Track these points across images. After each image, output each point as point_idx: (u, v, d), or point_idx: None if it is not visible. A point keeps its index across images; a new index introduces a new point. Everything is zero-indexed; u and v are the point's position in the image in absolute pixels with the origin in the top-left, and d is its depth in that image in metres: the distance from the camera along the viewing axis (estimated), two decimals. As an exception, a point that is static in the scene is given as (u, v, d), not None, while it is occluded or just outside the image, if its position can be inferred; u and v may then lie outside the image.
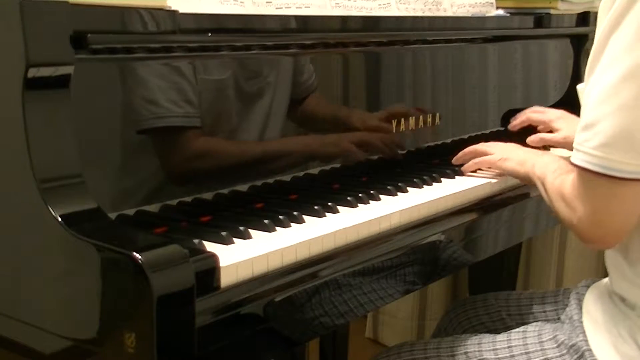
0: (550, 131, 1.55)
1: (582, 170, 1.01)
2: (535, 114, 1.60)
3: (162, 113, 1.09)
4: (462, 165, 1.44)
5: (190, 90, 1.12)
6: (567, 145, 1.48)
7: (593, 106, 0.99)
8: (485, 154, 1.39)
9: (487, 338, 1.21)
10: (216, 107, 1.16)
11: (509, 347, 1.17)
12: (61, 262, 0.92)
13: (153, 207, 1.07)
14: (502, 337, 1.20)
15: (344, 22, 1.38)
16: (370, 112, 1.43)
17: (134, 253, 0.82)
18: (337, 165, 1.36)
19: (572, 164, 1.04)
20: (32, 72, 0.91)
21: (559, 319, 1.29)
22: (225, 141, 1.18)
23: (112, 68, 1.03)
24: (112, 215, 1.00)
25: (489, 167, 1.41)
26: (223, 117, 1.18)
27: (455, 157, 1.45)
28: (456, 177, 1.42)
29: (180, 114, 1.11)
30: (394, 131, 1.45)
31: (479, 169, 1.43)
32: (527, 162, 1.26)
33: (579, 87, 1.18)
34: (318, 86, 1.33)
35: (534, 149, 1.37)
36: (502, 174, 1.39)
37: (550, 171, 1.15)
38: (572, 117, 1.52)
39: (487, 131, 1.73)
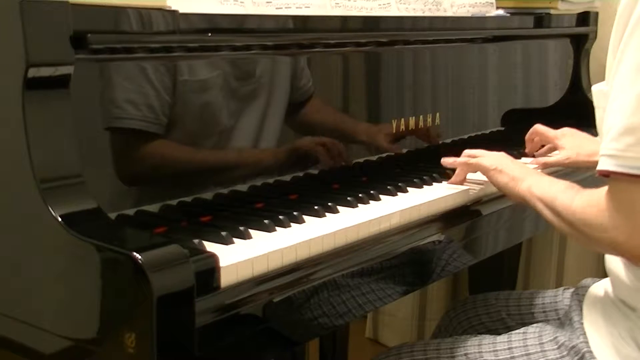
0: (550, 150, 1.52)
1: (627, 178, 0.93)
2: (541, 128, 1.53)
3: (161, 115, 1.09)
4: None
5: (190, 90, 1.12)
6: (570, 165, 1.45)
7: (634, 109, 0.92)
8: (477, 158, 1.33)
9: (487, 339, 1.21)
10: (220, 108, 1.16)
11: (509, 348, 1.17)
12: (61, 262, 0.92)
13: (153, 207, 1.07)
14: (502, 338, 1.20)
15: (344, 22, 1.38)
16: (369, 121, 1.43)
17: (134, 253, 0.82)
18: (337, 165, 1.36)
19: (608, 174, 0.95)
20: (32, 72, 0.91)
21: (559, 319, 1.29)
22: (231, 147, 1.19)
23: (112, 68, 1.03)
24: (112, 215, 1.00)
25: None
26: (228, 119, 1.18)
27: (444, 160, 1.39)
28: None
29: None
30: (394, 131, 1.46)
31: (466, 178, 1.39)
32: (523, 182, 1.19)
33: (595, 87, 1.12)
34: (318, 87, 1.33)
35: (524, 164, 1.30)
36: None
37: (559, 191, 1.08)
38: (577, 132, 1.48)
39: (487, 131, 1.73)
